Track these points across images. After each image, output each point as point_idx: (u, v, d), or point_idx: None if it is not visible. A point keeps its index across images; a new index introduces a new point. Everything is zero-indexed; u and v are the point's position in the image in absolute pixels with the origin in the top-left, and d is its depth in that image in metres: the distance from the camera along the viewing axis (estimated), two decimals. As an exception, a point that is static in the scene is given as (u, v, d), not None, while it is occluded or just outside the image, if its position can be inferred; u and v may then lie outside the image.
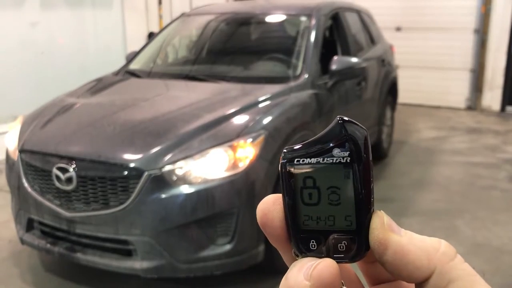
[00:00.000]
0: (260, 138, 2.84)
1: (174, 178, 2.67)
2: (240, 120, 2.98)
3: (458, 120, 7.35)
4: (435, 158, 5.56)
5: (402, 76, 6.37)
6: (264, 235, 2.57)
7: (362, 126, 0.40)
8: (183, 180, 2.67)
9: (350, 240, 0.40)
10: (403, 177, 4.95)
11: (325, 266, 0.37)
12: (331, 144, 0.40)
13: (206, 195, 2.68)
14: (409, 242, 0.38)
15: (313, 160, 0.40)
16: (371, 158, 0.40)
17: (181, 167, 2.68)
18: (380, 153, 5.29)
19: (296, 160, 0.40)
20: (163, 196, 2.64)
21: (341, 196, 0.40)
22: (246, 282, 3.09)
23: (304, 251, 0.40)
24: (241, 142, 2.78)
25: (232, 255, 2.75)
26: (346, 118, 0.40)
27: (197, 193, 2.66)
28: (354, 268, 0.45)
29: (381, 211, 0.40)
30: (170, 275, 2.74)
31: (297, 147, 0.41)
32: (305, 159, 0.40)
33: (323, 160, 0.40)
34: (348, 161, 0.40)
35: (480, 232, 3.74)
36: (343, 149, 0.40)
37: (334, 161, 0.40)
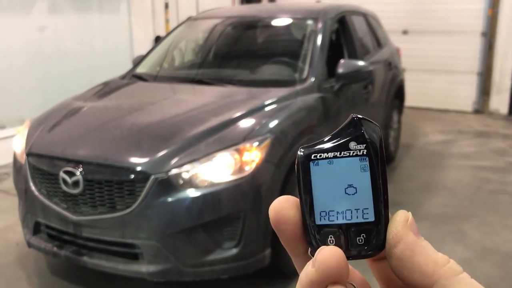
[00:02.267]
0: (267, 142, 2.84)
1: (181, 181, 2.66)
2: (247, 123, 2.98)
3: (466, 124, 7.31)
4: (442, 162, 5.52)
5: (409, 79, 6.35)
6: (270, 239, 2.56)
7: (375, 123, 0.41)
8: (190, 183, 2.67)
9: (369, 232, 0.40)
10: (410, 181, 4.92)
11: (329, 250, 0.37)
12: (347, 138, 0.41)
13: (212, 199, 2.67)
14: (422, 246, 0.38)
15: (330, 154, 0.41)
16: (384, 153, 0.41)
17: (188, 171, 2.68)
18: (387, 156, 5.24)
19: (313, 155, 0.41)
20: (170, 199, 2.64)
21: (358, 189, 0.40)
22: (253, 286, 3.08)
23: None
24: (247, 145, 2.78)
25: (238, 259, 2.74)
26: (360, 116, 0.41)
27: (203, 197, 2.66)
28: (367, 273, 0.44)
29: (409, 212, 0.40)
30: (176, 279, 2.74)
31: (312, 144, 0.42)
32: (322, 154, 0.41)
33: (340, 154, 0.41)
34: (364, 153, 0.40)
35: (489, 236, 3.71)
36: (359, 142, 0.40)
37: (351, 154, 0.40)
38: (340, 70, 3.70)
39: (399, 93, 5.56)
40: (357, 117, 0.41)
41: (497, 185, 4.79)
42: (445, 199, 4.44)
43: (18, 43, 5.60)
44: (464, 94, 8.02)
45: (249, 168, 2.74)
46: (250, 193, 2.75)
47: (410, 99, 6.91)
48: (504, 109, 7.79)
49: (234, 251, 2.73)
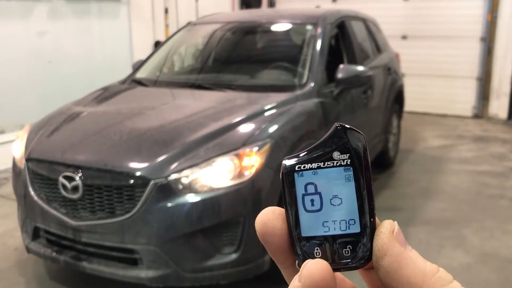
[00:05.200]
0: (266, 147, 2.84)
1: (180, 186, 2.66)
2: (246, 128, 2.98)
3: (465, 129, 7.32)
4: (442, 166, 5.52)
5: (408, 84, 6.36)
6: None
7: (360, 131, 0.40)
8: (189, 188, 2.67)
9: (355, 243, 0.39)
10: (410, 186, 4.92)
11: (314, 263, 0.37)
12: (330, 148, 0.40)
13: (212, 204, 2.67)
14: (409, 257, 0.37)
15: (314, 165, 0.40)
16: (369, 161, 0.40)
17: (187, 176, 2.68)
18: (386, 161, 5.26)
19: (297, 167, 0.40)
20: (169, 204, 2.63)
21: (344, 200, 0.40)
22: (252, 291, 3.07)
23: (308, 259, 0.40)
24: (247, 150, 2.78)
25: (238, 264, 2.74)
26: (344, 125, 0.40)
27: (203, 202, 2.66)
28: (358, 280, 0.44)
29: (395, 221, 0.40)
30: (175, 284, 2.73)
31: (296, 155, 0.41)
32: (306, 165, 0.40)
33: (324, 164, 0.40)
34: (348, 163, 0.40)
35: (488, 241, 3.70)
36: (343, 152, 0.40)
37: (335, 164, 0.40)
38: (340, 75, 3.71)
39: (398, 98, 5.57)
40: (340, 126, 0.40)
41: (496, 190, 4.79)
42: (445, 204, 4.44)
43: (18, 48, 5.61)
44: (463, 99, 8.03)
45: (248, 173, 2.74)
46: (249, 198, 2.74)
47: (410, 104, 6.92)
48: (503, 114, 7.80)
49: (234, 256, 2.73)
